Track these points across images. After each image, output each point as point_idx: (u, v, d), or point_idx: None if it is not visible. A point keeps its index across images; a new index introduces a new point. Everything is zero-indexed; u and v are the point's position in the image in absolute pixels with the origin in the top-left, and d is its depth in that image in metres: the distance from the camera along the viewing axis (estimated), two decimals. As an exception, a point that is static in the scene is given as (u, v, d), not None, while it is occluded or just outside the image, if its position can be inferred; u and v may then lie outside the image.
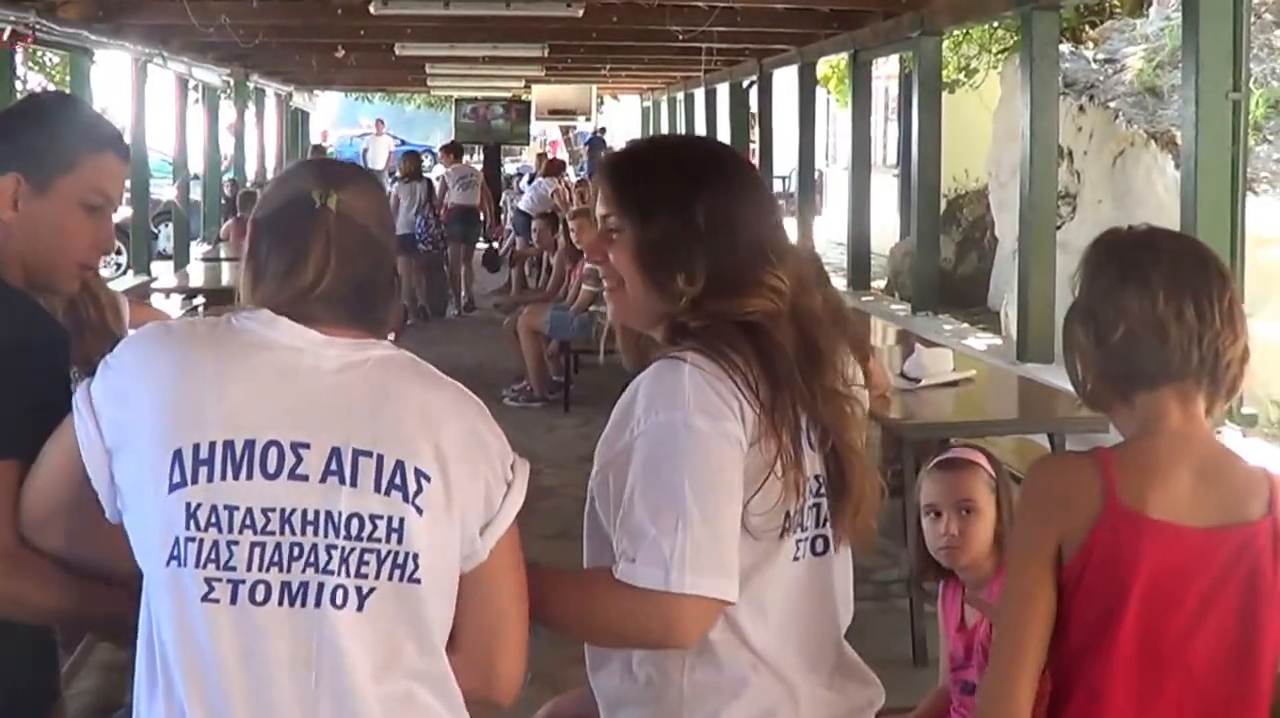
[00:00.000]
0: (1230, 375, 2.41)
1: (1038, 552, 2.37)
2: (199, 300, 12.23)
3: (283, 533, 2.13)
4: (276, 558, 2.13)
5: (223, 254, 16.27)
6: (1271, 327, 9.56)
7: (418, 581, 2.16)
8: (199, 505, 2.12)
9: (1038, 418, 7.57)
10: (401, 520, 2.15)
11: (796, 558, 2.55)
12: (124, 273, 17.29)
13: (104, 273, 17.39)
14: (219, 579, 2.11)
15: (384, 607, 2.15)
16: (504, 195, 26.87)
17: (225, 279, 13.74)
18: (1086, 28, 14.80)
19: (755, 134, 22.58)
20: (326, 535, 2.14)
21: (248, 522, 2.13)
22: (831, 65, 21.30)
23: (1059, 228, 11.57)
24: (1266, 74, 11.18)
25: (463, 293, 18.69)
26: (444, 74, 25.21)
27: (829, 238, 21.98)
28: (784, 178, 28.32)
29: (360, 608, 2.14)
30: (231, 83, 22.89)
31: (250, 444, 2.14)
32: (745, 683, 2.49)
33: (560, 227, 14.67)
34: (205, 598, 2.11)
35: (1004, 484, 3.90)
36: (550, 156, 27.81)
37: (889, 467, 8.30)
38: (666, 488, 2.35)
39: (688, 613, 2.35)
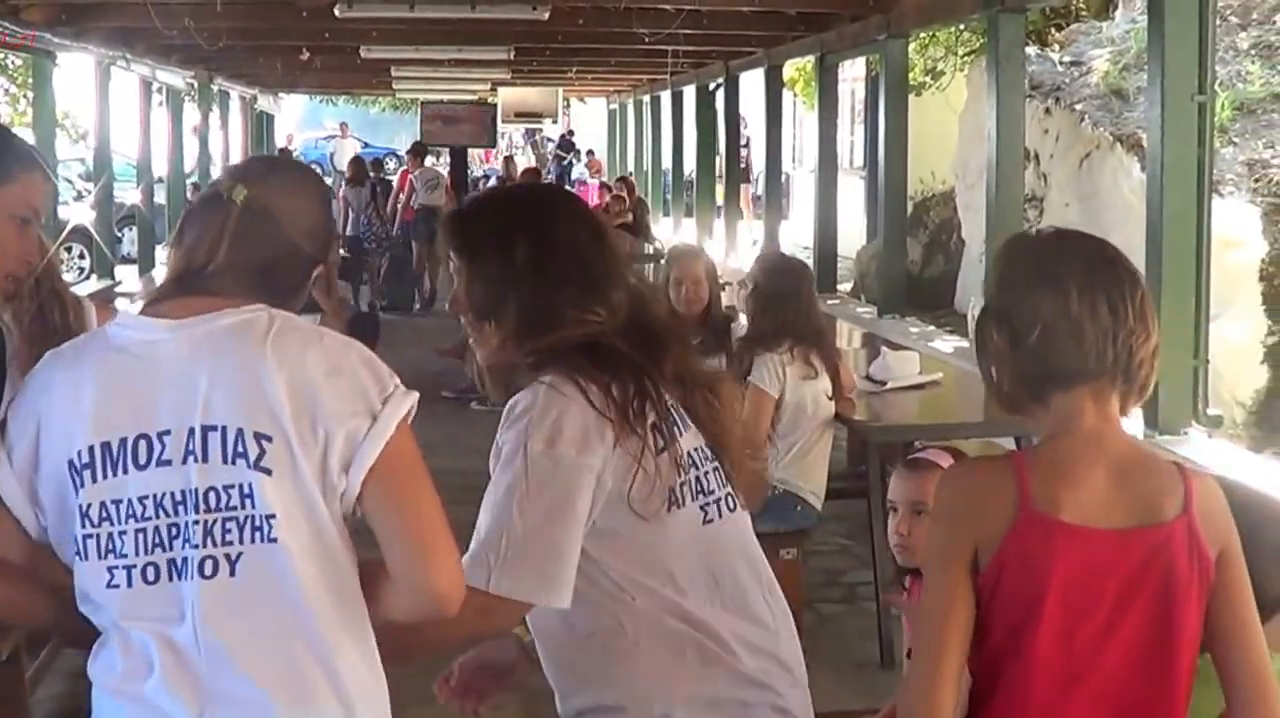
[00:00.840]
0: (1143, 374, 2.44)
1: (954, 558, 2.39)
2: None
3: (159, 517, 2.33)
4: (158, 540, 2.33)
5: None
6: (1237, 329, 9.64)
7: (275, 539, 2.31)
8: (89, 505, 2.35)
9: (1003, 421, 7.59)
10: (250, 485, 2.31)
11: (709, 521, 2.79)
12: (87, 277, 17.22)
13: (67, 277, 17.29)
14: (116, 567, 2.34)
15: (253, 568, 2.32)
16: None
17: (190, 283, 13.67)
18: (1053, 30, 14.87)
19: (744, 135, 22.66)
20: (191, 513, 2.32)
21: (130, 512, 2.34)
22: (798, 68, 21.32)
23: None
24: (1232, 76, 11.24)
25: (427, 288, 19.58)
26: (409, 77, 25.21)
27: (795, 241, 22.00)
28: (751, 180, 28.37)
29: (233, 573, 2.31)
30: (195, 85, 22.81)
31: (123, 442, 2.34)
32: (685, 644, 2.71)
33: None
34: (108, 586, 2.34)
35: None
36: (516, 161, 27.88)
37: (854, 468, 8.35)
38: (499, 503, 2.63)
39: (498, 609, 2.61)
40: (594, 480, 2.65)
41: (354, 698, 2.38)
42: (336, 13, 13.78)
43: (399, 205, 20.75)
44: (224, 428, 2.32)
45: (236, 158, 27.81)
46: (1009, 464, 2.44)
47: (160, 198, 21.33)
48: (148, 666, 2.33)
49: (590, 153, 38.83)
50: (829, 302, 14.91)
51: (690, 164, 24.92)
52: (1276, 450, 9.11)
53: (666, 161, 27.47)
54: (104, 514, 2.34)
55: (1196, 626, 2.40)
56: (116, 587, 2.34)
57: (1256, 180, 10.39)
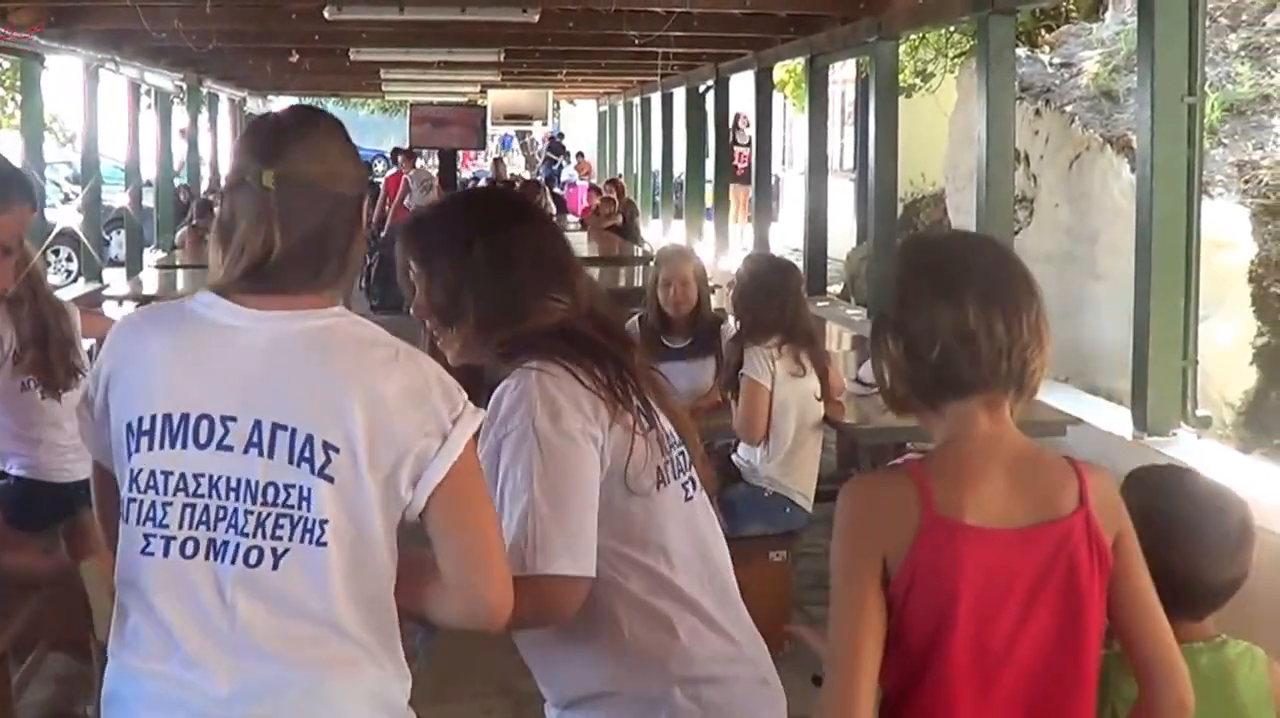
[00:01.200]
0: (1034, 380, 2.55)
1: (863, 569, 2.40)
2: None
3: (210, 497, 2.43)
4: (204, 518, 2.43)
5: (178, 261, 16.12)
6: (1226, 330, 9.65)
7: (324, 544, 2.41)
8: (140, 471, 2.46)
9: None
10: (310, 490, 2.41)
11: (689, 498, 2.97)
12: (74, 280, 17.19)
13: (54, 279, 17.34)
14: (154, 536, 2.44)
15: (296, 565, 2.41)
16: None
17: (180, 286, 13.63)
18: (1043, 32, 14.88)
19: (746, 134, 22.64)
20: (246, 501, 2.42)
21: (180, 485, 2.44)
22: (788, 70, 21.35)
23: (1016, 232, 11.62)
24: (1222, 77, 11.25)
25: None
26: (399, 79, 25.19)
27: (785, 243, 22.01)
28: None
29: (275, 567, 2.41)
30: (184, 88, 22.77)
31: (185, 417, 2.44)
32: (677, 622, 2.83)
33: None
34: (144, 552, 2.45)
35: None
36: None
37: (844, 470, 8.35)
38: (519, 489, 2.72)
39: (549, 591, 2.67)
40: (599, 452, 2.77)
41: (376, 694, 2.50)
42: (326, 15, 13.77)
43: (388, 208, 21.20)
44: (294, 429, 2.42)
45: (225, 160, 27.85)
46: (908, 473, 2.46)
47: (149, 201, 21.29)
48: (173, 644, 2.43)
49: (580, 155, 38.84)
50: (819, 304, 14.91)
51: (680, 166, 24.92)
52: (1266, 451, 9.12)
53: (656, 164, 27.46)
54: (151, 482, 2.45)
55: (1100, 613, 2.46)
56: (151, 554, 2.44)
57: (1246, 182, 10.40)
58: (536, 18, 14.15)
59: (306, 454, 2.40)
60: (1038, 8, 13.25)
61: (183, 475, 2.43)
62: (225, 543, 2.41)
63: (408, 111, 31.12)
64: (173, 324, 2.55)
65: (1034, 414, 7.72)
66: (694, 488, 2.97)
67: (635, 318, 7.45)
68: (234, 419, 2.42)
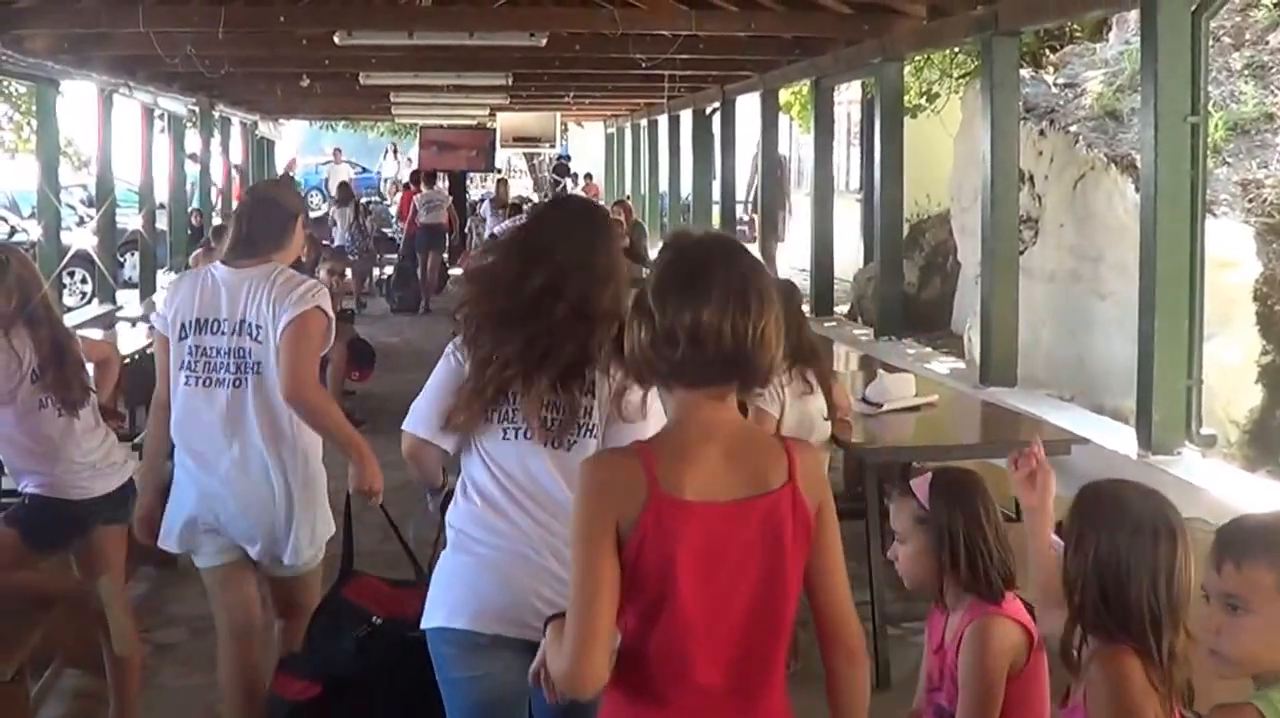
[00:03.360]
0: (760, 377, 2.86)
1: (600, 534, 2.77)
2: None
3: (213, 357, 4.94)
4: (209, 368, 4.93)
5: None
6: (1231, 349, 9.64)
7: (258, 373, 4.91)
8: (183, 349, 4.96)
9: (1000, 441, 7.57)
10: (253, 349, 4.92)
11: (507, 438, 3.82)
12: (89, 301, 17.23)
13: (69, 300, 17.38)
14: (190, 377, 4.95)
15: (250, 384, 4.92)
16: (469, 222, 27.56)
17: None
18: (1046, 52, 14.88)
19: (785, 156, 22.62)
20: (227, 357, 4.92)
21: (204, 353, 4.94)
22: (794, 92, 21.38)
23: (1021, 252, 11.62)
24: (1225, 97, 11.25)
25: (431, 295, 22.09)
26: (408, 103, 25.27)
27: (792, 264, 22.02)
28: (746, 203, 28.43)
29: (239, 386, 4.92)
30: (197, 112, 22.87)
31: (204, 320, 4.95)
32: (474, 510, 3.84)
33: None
34: (185, 383, 4.96)
35: (940, 511, 3.89)
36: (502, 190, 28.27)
37: (851, 489, 8.34)
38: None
39: (406, 441, 3.93)
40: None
41: (286, 456, 4.99)
42: (336, 40, 13.86)
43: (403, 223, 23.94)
44: (244, 319, 4.91)
45: (236, 183, 27.96)
46: (637, 454, 2.83)
47: (162, 223, 21.39)
48: (199, 428, 4.96)
49: (588, 176, 38.86)
50: (825, 324, 14.94)
51: (687, 187, 24.96)
52: (1270, 470, 9.10)
53: (664, 185, 27.51)
54: (186, 352, 4.95)
55: (800, 570, 2.87)
56: (190, 384, 4.95)
57: (1250, 201, 10.39)
58: (544, 42, 14.23)
59: (250, 331, 4.91)
60: (1041, 29, 13.26)
61: (202, 348, 4.94)
62: (220, 380, 4.93)
63: (417, 134, 31.29)
64: (199, 280, 5.09)
65: (1041, 435, 7.74)
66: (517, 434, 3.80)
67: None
68: (225, 319, 4.94)
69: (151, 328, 5.37)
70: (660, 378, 2.87)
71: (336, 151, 41.60)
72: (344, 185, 25.06)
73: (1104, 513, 3.15)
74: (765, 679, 2.88)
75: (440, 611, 3.77)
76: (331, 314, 5.06)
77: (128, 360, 9.07)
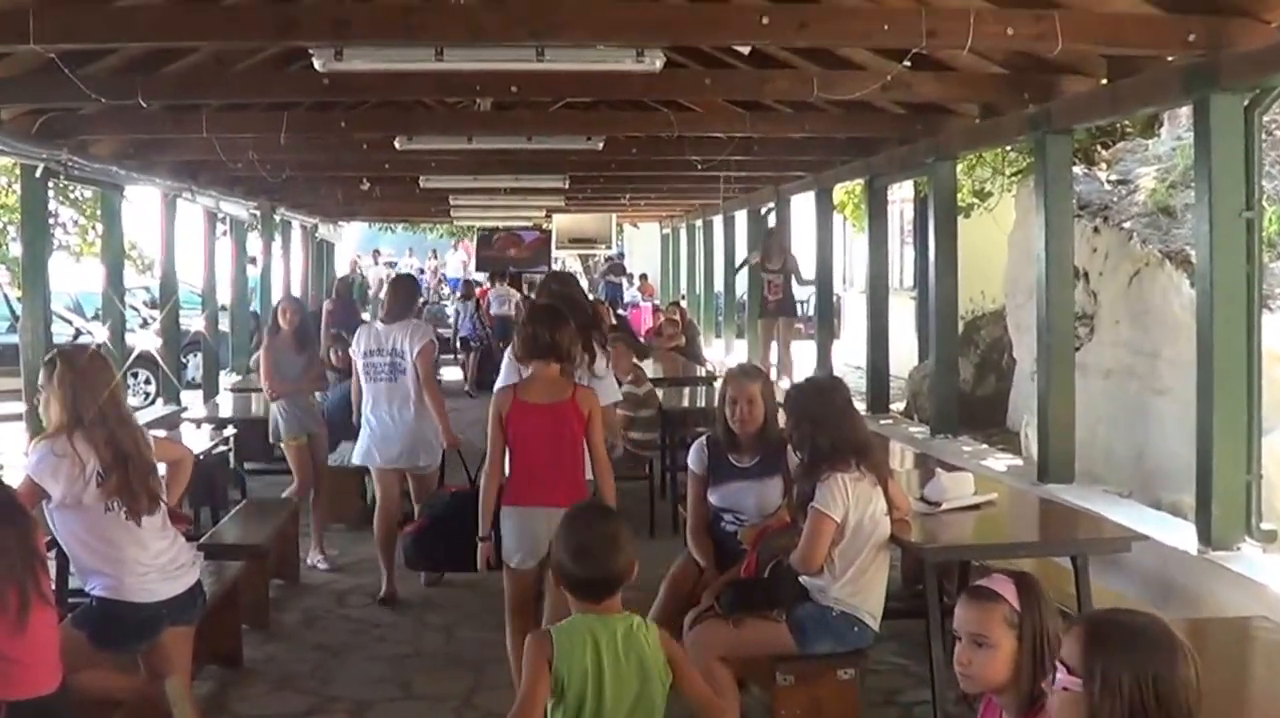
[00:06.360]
0: (563, 354, 7.24)
1: (496, 421, 7.18)
2: (229, 430, 12.18)
3: (379, 361, 10.10)
4: (379, 370, 10.06)
5: (253, 384, 16.03)
6: (1290, 443, 9.53)
7: (404, 372, 10.04)
8: (361, 362, 10.21)
9: (1059, 540, 7.53)
10: (402, 362, 10.02)
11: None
12: (152, 402, 17.35)
13: (132, 401, 17.53)
14: (368, 376, 10.15)
15: (399, 380, 10.02)
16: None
17: (255, 409, 13.72)
18: (1099, 149, 14.89)
19: (784, 261, 22.63)
20: (387, 362, 10.08)
21: (371, 362, 10.11)
22: (846, 190, 21.45)
23: (1077, 348, 11.58)
24: (1279, 191, 11.21)
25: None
26: (467, 205, 25.44)
27: (847, 361, 21.99)
28: (803, 302, 28.48)
29: (394, 380, 10.05)
30: (258, 215, 23.08)
31: (369, 349, 10.14)
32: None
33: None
34: (365, 379, 10.17)
35: (1033, 614, 3.83)
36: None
37: (910, 588, 8.27)
38: None
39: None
40: None
41: (427, 428, 10.12)
42: (397, 145, 14.02)
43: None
44: (397, 349, 9.98)
45: (297, 286, 28.23)
46: (512, 389, 7.18)
47: (224, 325, 21.55)
48: (378, 415, 10.13)
49: (643, 276, 39.02)
50: (881, 421, 14.88)
51: (743, 286, 24.99)
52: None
53: (718, 284, 27.59)
54: (364, 363, 10.14)
55: (577, 436, 7.13)
56: (370, 381, 10.08)
57: (1306, 295, 10.33)
58: (601, 145, 14.35)
59: (400, 352, 9.96)
60: (1094, 126, 13.27)
61: (372, 363, 10.04)
62: (381, 378, 10.03)
63: (475, 236, 31.64)
64: (368, 328, 10.48)
65: (1100, 532, 7.67)
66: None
67: (703, 437, 7.46)
68: (385, 348, 10.01)
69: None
70: (524, 358, 7.23)
71: (375, 252, 46.28)
72: (467, 283, 29.92)
73: (1126, 642, 3.05)
74: (559, 481, 6.95)
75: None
76: (436, 342, 11.01)
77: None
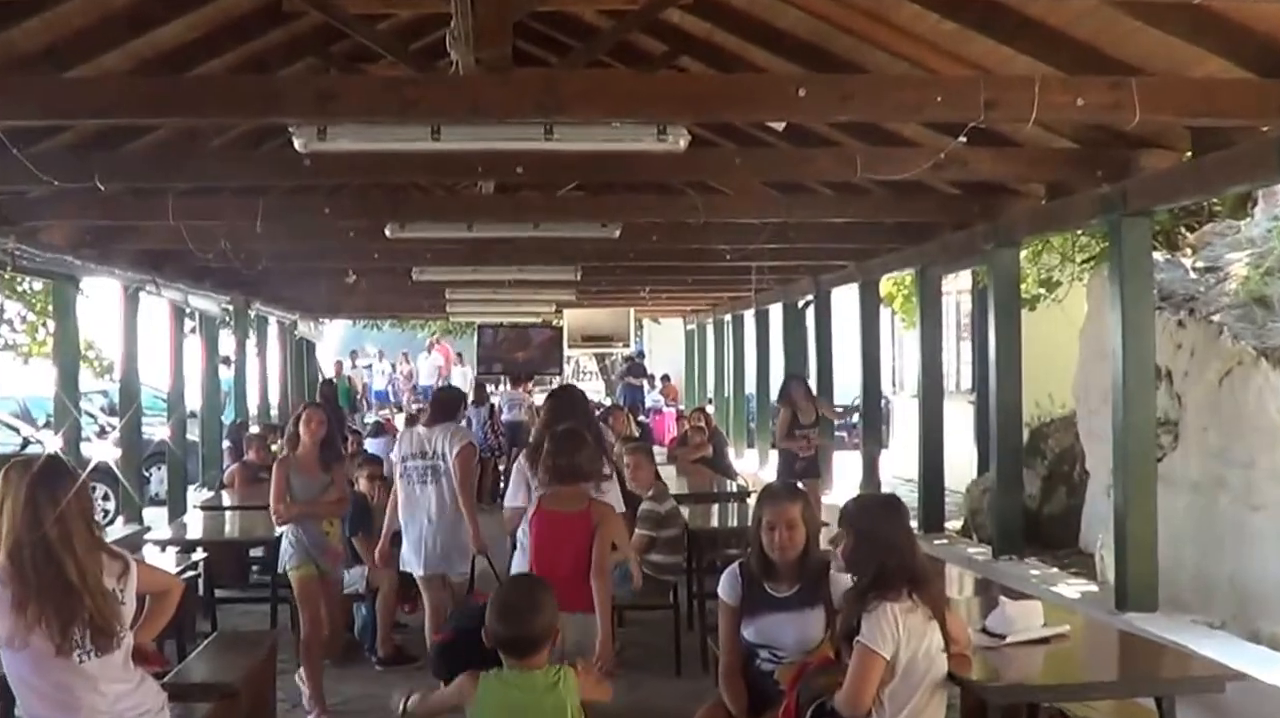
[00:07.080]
0: (584, 475, 8.59)
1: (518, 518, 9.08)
2: (199, 554, 12.06)
3: (418, 466, 11.21)
4: (413, 475, 11.19)
5: (226, 502, 15.81)
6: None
7: (446, 474, 11.10)
8: (400, 467, 11.36)
9: (1142, 678, 7.43)
10: (442, 466, 11.12)
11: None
12: (111, 521, 17.24)
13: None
14: (404, 481, 11.25)
15: (440, 483, 11.09)
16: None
17: (228, 530, 13.62)
18: (1183, 232, 14.91)
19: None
20: (429, 467, 11.17)
21: (413, 466, 11.23)
22: (895, 281, 21.49)
23: (1160, 458, 11.54)
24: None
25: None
26: (465, 299, 25.41)
27: (896, 473, 21.93)
28: (845, 407, 28.40)
29: (436, 483, 11.10)
30: (231, 311, 23.13)
31: (412, 453, 11.28)
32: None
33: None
34: (403, 484, 11.29)
35: None
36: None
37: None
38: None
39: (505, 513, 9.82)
40: None
41: (461, 533, 11.01)
42: (387, 233, 14.01)
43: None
44: (437, 452, 11.11)
45: (275, 389, 28.30)
46: (538, 498, 8.63)
47: (193, 433, 21.54)
48: (415, 520, 11.20)
49: (665, 378, 38.97)
50: (935, 542, 14.82)
51: (776, 390, 24.98)
52: None
53: (750, 386, 27.56)
54: (404, 467, 11.24)
55: (587, 546, 8.19)
56: (406, 486, 11.21)
57: None
58: (618, 233, 14.26)
59: (441, 456, 11.07)
60: (1177, 207, 13.30)
61: (412, 466, 11.17)
62: (422, 482, 11.10)
63: (475, 333, 31.75)
64: (408, 434, 11.70)
65: (1188, 669, 7.60)
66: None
67: (736, 564, 7.37)
68: (426, 453, 11.14)
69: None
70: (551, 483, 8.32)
71: (353, 353, 47.59)
72: (480, 387, 29.53)
73: None
74: (575, 587, 7.67)
75: None
76: (477, 445, 12.75)
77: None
